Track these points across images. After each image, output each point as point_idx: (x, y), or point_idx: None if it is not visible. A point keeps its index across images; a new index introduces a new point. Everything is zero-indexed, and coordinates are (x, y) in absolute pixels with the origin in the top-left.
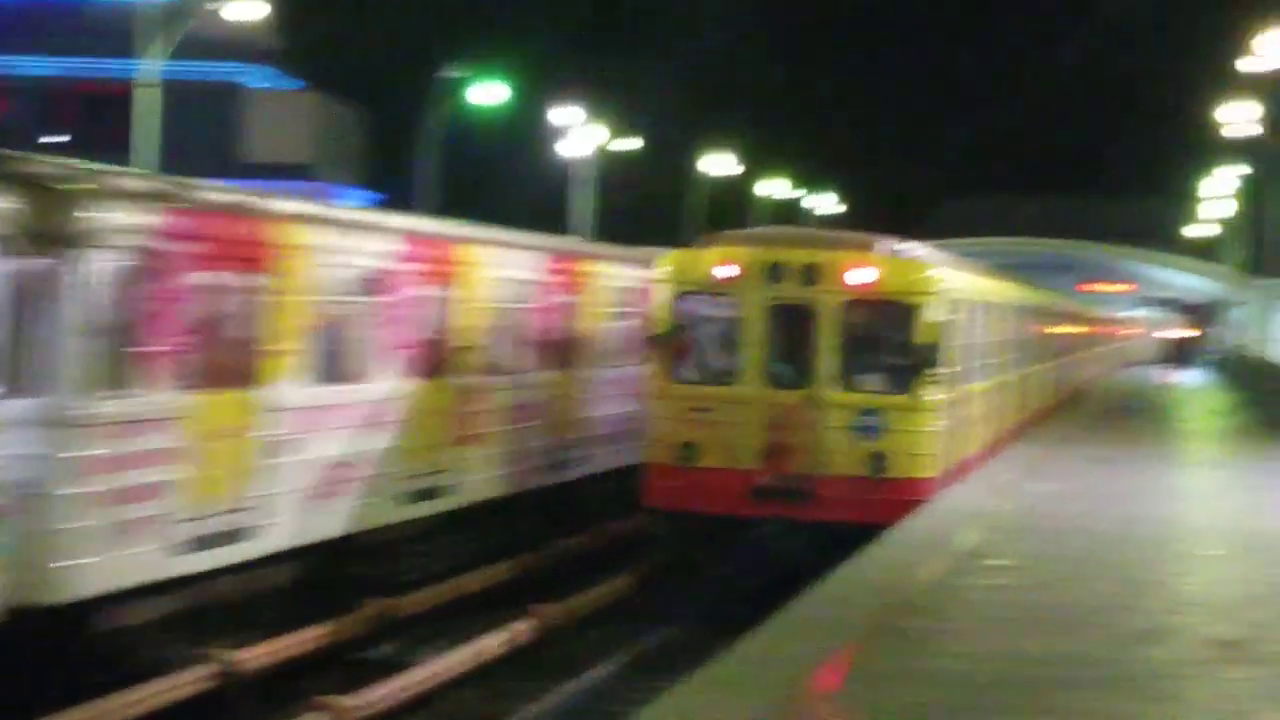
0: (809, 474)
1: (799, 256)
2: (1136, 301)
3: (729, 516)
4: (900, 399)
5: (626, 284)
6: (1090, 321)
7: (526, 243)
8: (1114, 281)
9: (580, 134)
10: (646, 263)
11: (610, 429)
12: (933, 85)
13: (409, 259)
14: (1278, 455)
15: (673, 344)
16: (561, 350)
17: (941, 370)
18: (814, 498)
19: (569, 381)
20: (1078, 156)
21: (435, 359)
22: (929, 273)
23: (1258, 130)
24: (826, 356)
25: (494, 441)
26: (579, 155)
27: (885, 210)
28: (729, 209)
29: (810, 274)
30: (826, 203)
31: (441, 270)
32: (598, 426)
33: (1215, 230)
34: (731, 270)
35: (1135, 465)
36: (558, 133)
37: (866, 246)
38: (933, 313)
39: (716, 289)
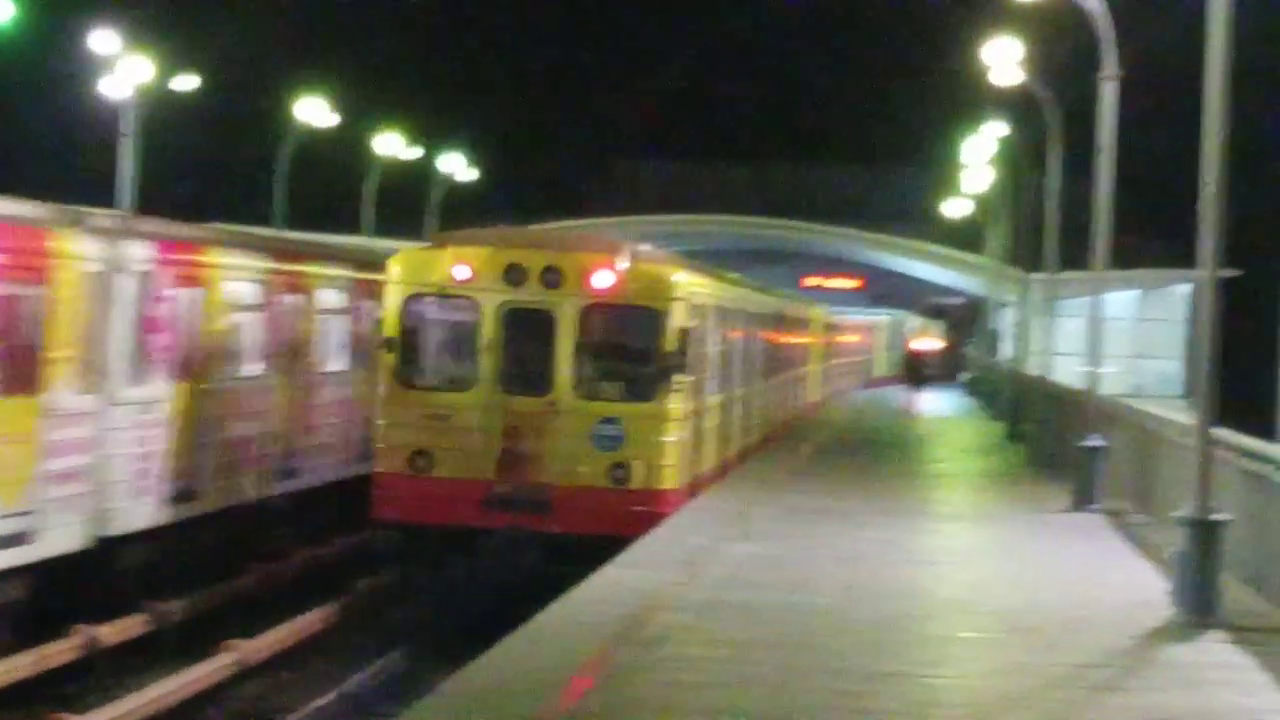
0: (546, 484)
1: (538, 258)
2: (871, 300)
3: (462, 528)
4: (643, 407)
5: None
6: (822, 329)
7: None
8: (846, 275)
9: (122, 67)
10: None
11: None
12: (601, 38)
13: None
14: (1049, 505)
15: (402, 348)
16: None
17: (686, 378)
18: (551, 509)
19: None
20: (802, 114)
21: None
22: (674, 277)
23: (1021, 77)
24: (566, 362)
25: None
26: (123, 96)
27: (539, 174)
28: (338, 170)
29: (550, 277)
30: (454, 165)
31: (29, 264)
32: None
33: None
34: (466, 272)
35: (868, 520)
36: (99, 65)
37: (609, 249)
38: (678, 319)
39: (451, 291)
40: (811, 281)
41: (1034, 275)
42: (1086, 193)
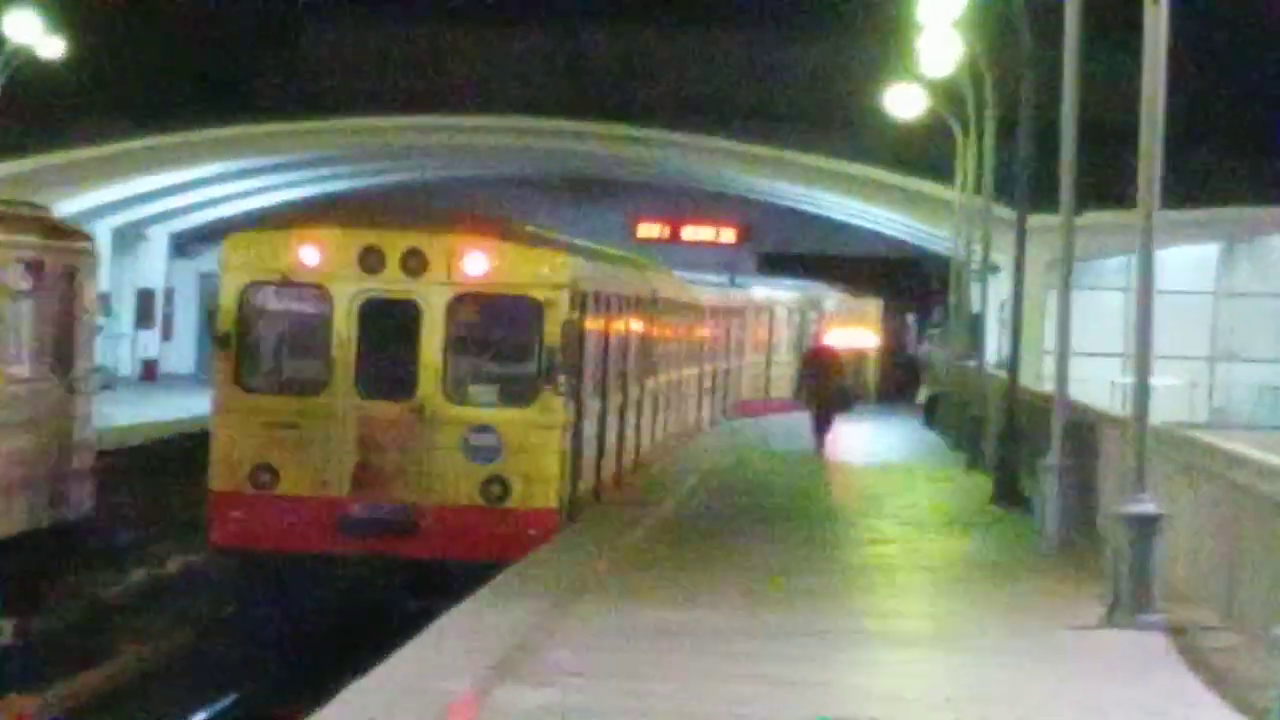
0: (410, 503)
1: (400, 240)
2: (758, 266)
3: (312, 554)
4: (522, 413)
5: None
6: (706, 317)
7: None
8: (714, 219)
9: None
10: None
11: None
12: None
13: None
14: (1070, 615)
15: (240, 347)
16: None
17: (571, 380)
18: (416, 531)
19: None
20: None
21: None
22: (559, 260)
23: None
24: (432, 362)
25: None
26: None
27: (169, 50)
28: None
29: (413, 261)
30: (25, 28)
31: None
32: None
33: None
34: (314, 256)
35: (755, 645)
36: None
37: (483, 228)
38: (563, 309)
39: (296, 279)
40: (650, 231)
41: (1037, 219)
42: (1126, 83)
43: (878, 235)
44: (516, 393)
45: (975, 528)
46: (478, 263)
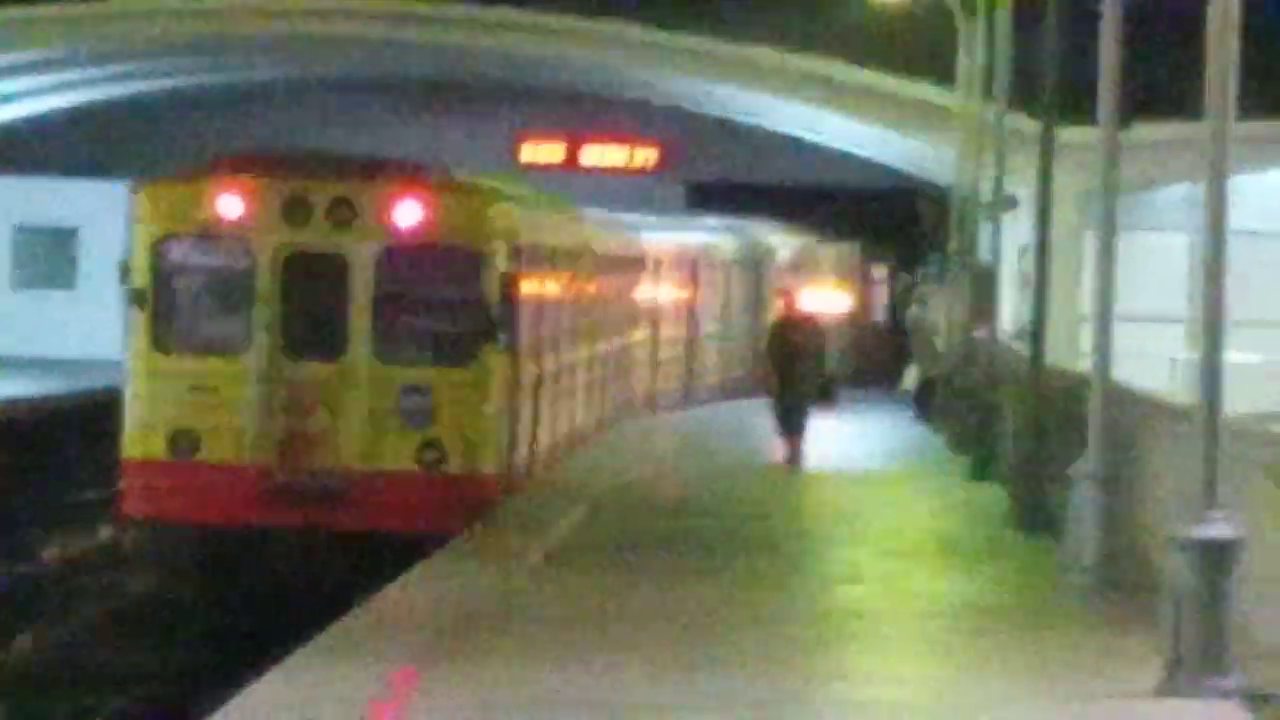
0: (340, 469)
1: (325, 188)
2: (688, 201)
3: (236, 526)
4: (458, 373)
5: None
6: (651, 270)
7: None
8: (623, 137)
9: None
10: None
11: None
12: None
13: None
14: (1120, 677)
15: (155, 303)
16: None
17: (509, 338)
18: (347, 500)
19: None
20: None
21: None
22: (498, 206)
23: None
24: (362, 318)
25: None
26: None
27: None
28: None
29: (341, 211)
30: None
31: None
32: None
33: None
34: (235, 207)
35: None
36: None
37: (416, 174)
38: (502, 261)
39: (216, 232)
40: (540, 153)
41: (1069, 134)
42: None
43: (850, 159)
44: (452, 351)
45: (985, 559)
46: (410, 212)
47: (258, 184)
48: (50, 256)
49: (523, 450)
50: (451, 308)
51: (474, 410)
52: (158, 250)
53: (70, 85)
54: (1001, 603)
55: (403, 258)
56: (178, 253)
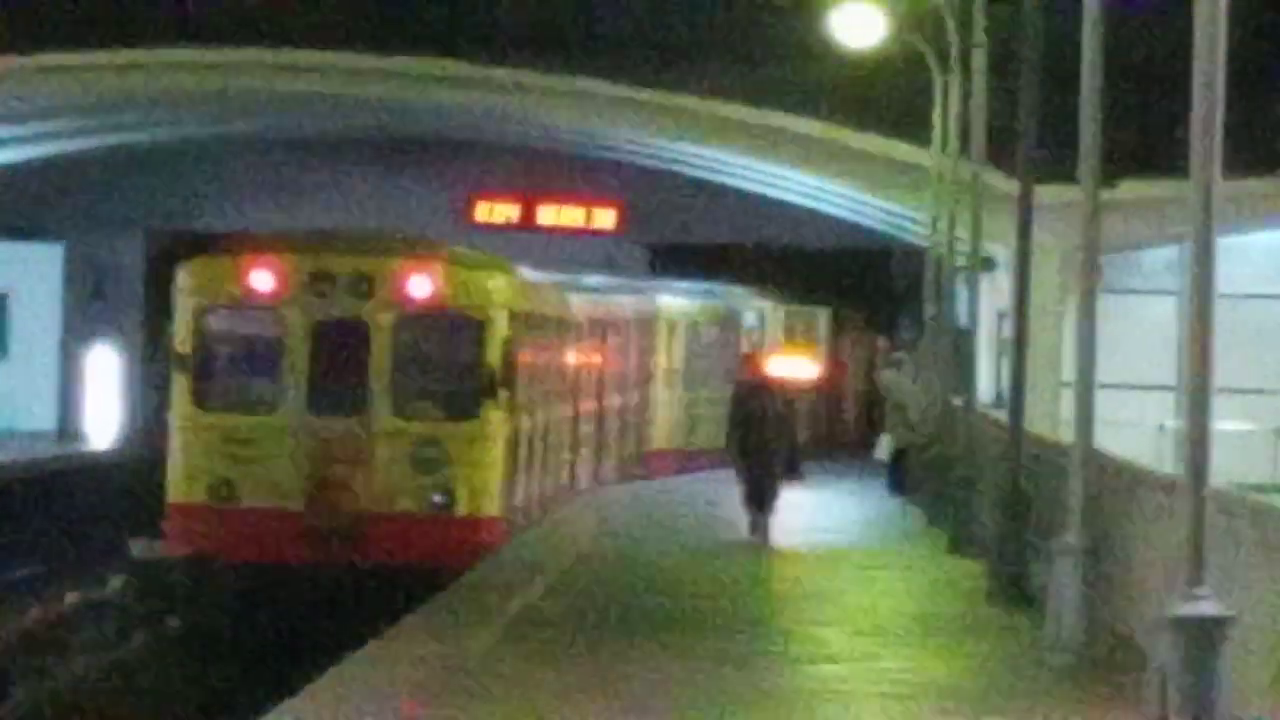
0: (360, 512)
1: (348, 264)
2: (648, 264)
3: (269, 562)
4: (465, 427)
5: None
6: (619, 334)
7: None
8: (582, 198)
9: None
10: None
11: None
12: None
13: None
14: None
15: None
16: None
17: (512, 394)
18: (366, 539)
19: None
20: None
21: None
22: (498, 281)
23: None
24: (379, 378)
25: None
26: None
27: None
28: None
29: (361, 285)
30: None
31: None
32: None
33: None
34: (268, 281)
35: None
36: None
37: (427, 251)
38: (502, 327)
39: (251, 303)
40: (494, 212)
41: (1050, 192)
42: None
43: (822, 218)
44: (459, 407)
45: (963, 637)
46: (422, 285)
47: (287, 261)
48: None
49: (520, 495)
50: (458, 368)
51: (478, 459)
52: (198, 319)
53: None
54: (980, 683)
55: (416, 324)
56: (216, 322)
